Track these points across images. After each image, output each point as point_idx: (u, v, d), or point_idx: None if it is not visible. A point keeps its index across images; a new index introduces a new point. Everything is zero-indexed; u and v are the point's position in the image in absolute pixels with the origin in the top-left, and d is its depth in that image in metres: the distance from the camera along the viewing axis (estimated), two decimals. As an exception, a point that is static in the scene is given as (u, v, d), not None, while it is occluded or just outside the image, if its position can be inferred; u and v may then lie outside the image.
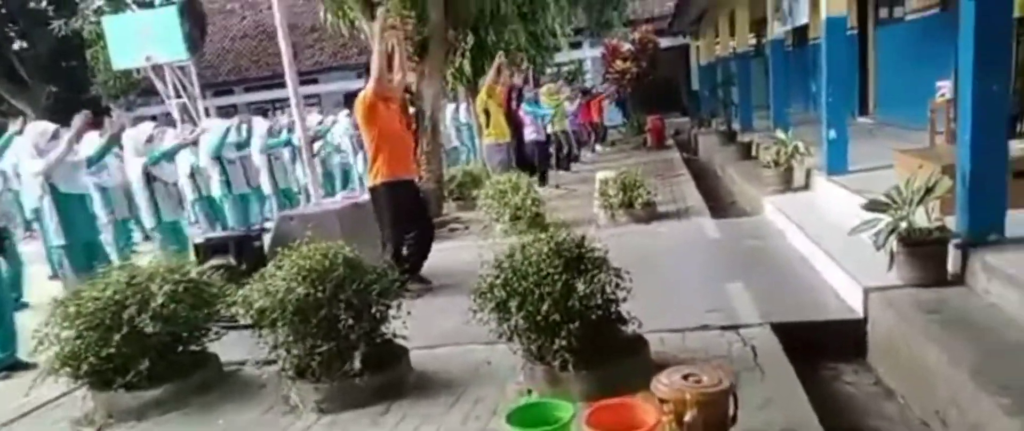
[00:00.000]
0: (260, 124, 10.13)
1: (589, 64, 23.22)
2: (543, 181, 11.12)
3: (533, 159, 11.35)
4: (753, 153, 10.56)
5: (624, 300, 3.34)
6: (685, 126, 18.78)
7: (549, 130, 13.41)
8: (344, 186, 12.10)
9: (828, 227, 5.22)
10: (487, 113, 9.19)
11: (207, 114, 20.47)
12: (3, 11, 21.28)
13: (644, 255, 6.00)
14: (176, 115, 17.06)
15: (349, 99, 8.56)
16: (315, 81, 24.69)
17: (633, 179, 7.58)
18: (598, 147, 16.68)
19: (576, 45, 22.15)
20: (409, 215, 5.27)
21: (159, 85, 17.25)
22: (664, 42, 21.60)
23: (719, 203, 9.06)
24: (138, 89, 21.40)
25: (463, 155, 14.11)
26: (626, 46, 19.96)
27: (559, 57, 17.20)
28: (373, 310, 3.54)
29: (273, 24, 8.02)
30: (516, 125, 10.26)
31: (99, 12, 18.07)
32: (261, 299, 3.36)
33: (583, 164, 14.10)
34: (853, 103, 10.65)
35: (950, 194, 3.66)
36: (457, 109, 14.42)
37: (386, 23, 5.33)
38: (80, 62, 20.72)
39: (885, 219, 3.71)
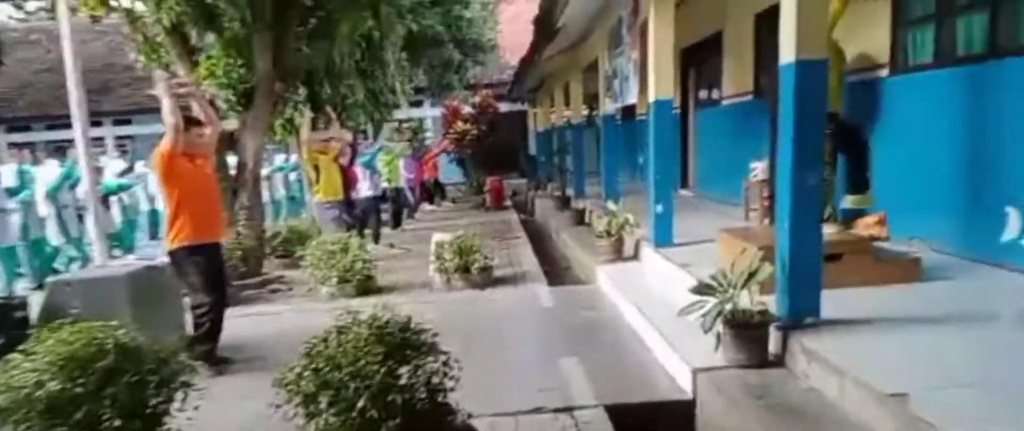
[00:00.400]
0: (48, 167, 8.85)
1: (430, 123, 23.20)
2: (377, 239, 10.69)
3: (367, 217, 10.90)
4: (586, 220, 10.80)
5: (452, 389, 3.02)
6: (523, 188, 19.14)
7: (384, 186, 13.06)
8: (154, 237, 10.91)
9: (658, 302, 5.26)
10: (317, 169, 8.68)
11: (-7, 151, 18.00)
12: None
13: (479, 325, 5.77)
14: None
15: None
16: (129, 122, 22.72)
17: (469, 244, 7.38)
18: (429, 206, 16.53)
19: (417, 104, 22.07)
20: (210, 284, 4.67)
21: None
22: (503, 107, 22.09)
23: (554, 267, 9.09)
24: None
25: (284, 209, 13.30)
26: (466, 108, 20.17)
27: (399, 114, 16.98)
28: (152, 404, 2.96)
29: (83, 58, 7.11)
30: (349, 182, 9.80)
31: None
32: (2, 395, 2.69)
33: (420, 222, 13.81)
34: (676, 177, 11.27)
35: (771, 276, 3.74)
36: (287, 160, 13.67)
37: (171, 83, 4.82)
38: None
39: (711, 301, 3.72)
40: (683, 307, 3.83)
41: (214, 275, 4.70)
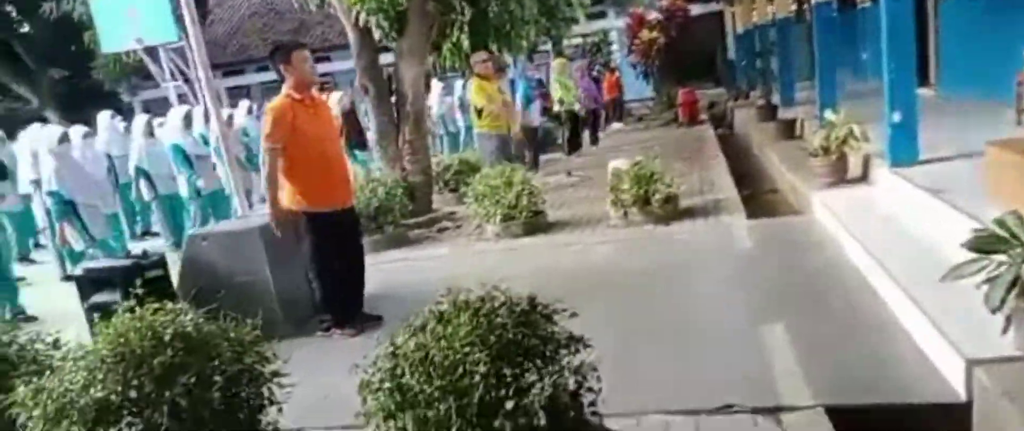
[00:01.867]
0: (175, 114, 8.79)
1: (614, 35, 21.66)
2: (535, 166, 9.89)
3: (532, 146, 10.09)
4: (797, 132, 9.18)
5: (591, 405, 2.13)
6: (720, 98, 17.26)
7: (557, 109, 12.16)
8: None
9: (903, 247, 3.92)
10: (482, 100, 7.93)
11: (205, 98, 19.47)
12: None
13: (654, 273, 4.77)
14: (173, 99, 16.11)
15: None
16: (328, 59, 23.65)
17: (650, 171, 6.29)
18: (617, 124, 15.48)
19: (599, 15, 20.63)
20: (332, 253, 4.14)
21: (154, 68, 16.25)
22: (695, 9, 19.97)
23: (756, 190, 7.77)
24: (140, 73, 20.46)
25: (461, 137, 12.76)
26: (653, 15, 18.41)
27: (579, 29, 15.81)
28: (243, 396, 2.42)
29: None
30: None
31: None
32: (52, 402, 2.24)
33: (604, 145, 12.81)
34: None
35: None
36: (465, 87, 13.16)
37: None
38: (79, 45, 19.79)
39: (998, 262, 2.43)
40: (952, 268, 2.57)
41: (338, 244, 4.16)
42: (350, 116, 9.70)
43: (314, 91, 4.27)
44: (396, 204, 6.80)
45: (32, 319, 5.77)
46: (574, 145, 12.06)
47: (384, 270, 5.85)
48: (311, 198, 4.05)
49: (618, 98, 16.32)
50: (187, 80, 16.54)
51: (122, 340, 2.31)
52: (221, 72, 23.79)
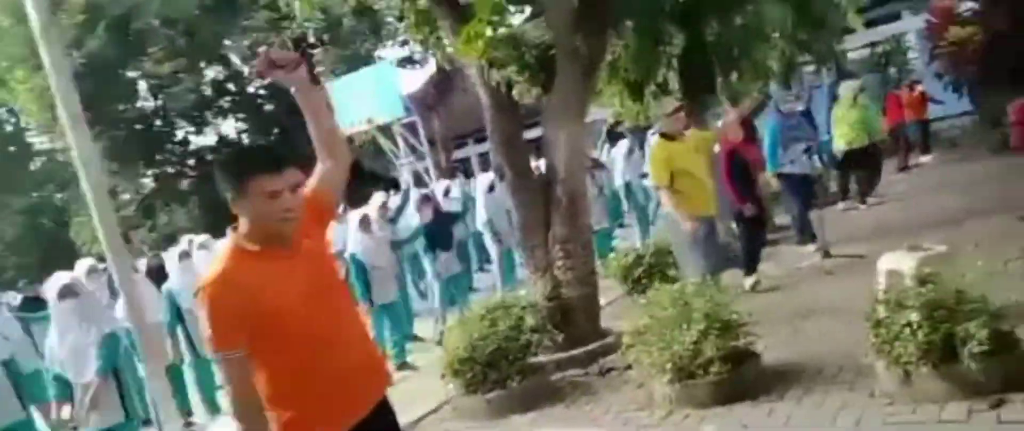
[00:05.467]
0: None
1: (912, 39, 16.89)
2: (812, 237, 6.73)
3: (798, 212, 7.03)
4: None
5: None
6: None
7: (842, 147, 8.92)
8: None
9: None
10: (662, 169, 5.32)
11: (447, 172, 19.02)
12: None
13: None
14: (407, 177, 15.80)
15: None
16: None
17: (955, 290, 3.25)
18: (925, 157, 11.55)
19: (889, 18, 16.29)
20: None
21: (387, 145, 16.25)
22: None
23: None
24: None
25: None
26: (967, 4, 13.80)
27: (856, 39, 12.20)
28: None
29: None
30: (746, 168, 6.16)
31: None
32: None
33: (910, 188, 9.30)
34: None
35: None
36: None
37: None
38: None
39: None
40: None
41: None
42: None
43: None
44: (522, 341, 4.54)
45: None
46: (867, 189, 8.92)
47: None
48: (302, 422, 2.06)
49: (922, 121, 12.35)
50: (417, 157, 16.36)
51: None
52: (473, 139, 23.62)
